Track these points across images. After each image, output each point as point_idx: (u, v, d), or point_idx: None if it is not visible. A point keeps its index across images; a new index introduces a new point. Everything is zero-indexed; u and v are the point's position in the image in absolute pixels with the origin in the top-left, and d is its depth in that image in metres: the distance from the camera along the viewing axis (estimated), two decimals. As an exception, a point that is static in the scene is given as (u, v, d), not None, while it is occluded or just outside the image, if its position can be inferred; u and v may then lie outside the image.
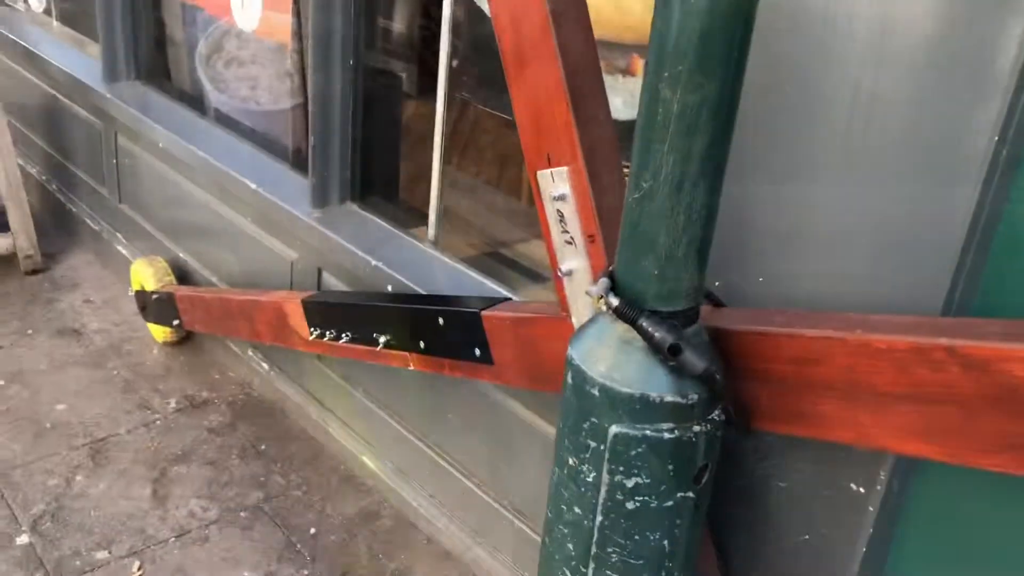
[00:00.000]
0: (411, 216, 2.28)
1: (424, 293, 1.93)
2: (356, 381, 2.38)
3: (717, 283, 1.22)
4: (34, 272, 3.36)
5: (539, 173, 1.25)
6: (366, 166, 2.31)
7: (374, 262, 2.06)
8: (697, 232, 0.96)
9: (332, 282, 2.30)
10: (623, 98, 1.74)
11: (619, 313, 1.00)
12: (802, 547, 1.32)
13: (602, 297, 1.01)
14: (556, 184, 1.23)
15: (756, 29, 0.94)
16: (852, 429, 1.05)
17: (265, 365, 2.72)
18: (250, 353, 2.76)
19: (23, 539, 2.19)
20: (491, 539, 2.09)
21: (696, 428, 1.02)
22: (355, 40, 2.16)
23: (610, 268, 1.07)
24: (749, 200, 1.21)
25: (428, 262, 2.10)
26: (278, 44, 2.70)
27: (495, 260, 2.36)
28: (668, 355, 0.99)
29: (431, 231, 2.14)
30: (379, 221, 2.24)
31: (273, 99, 3.02)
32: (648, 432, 1.00)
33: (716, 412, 1.06)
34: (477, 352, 1.56)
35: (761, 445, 1.30)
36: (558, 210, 1.24)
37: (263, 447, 2.58)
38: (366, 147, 2.29)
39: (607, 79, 1.72)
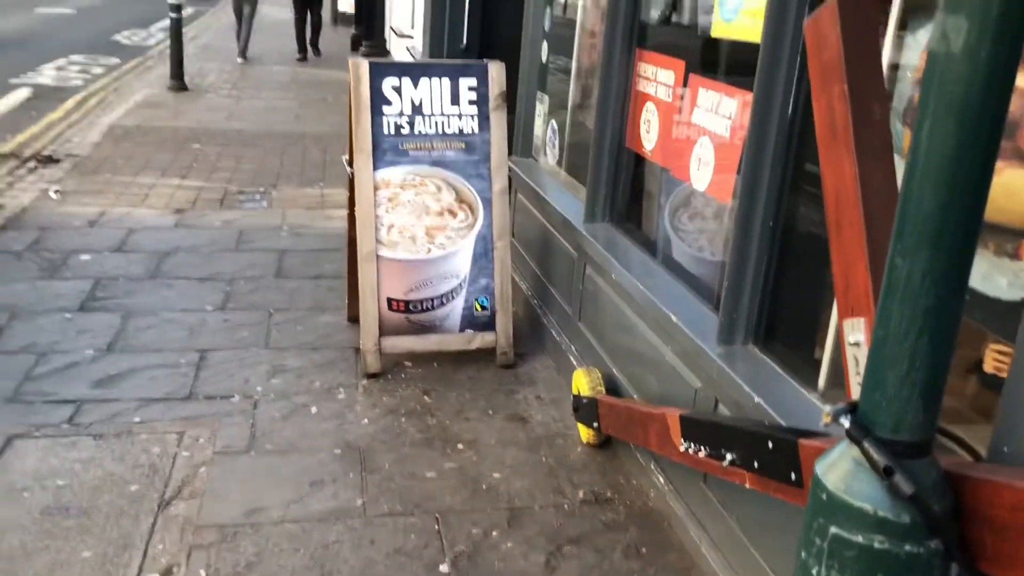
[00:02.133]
0: (807, 363, 2.47)
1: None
2: (732, 508, 2.59)
3: (1006, 448, 1.28)
4: (505, 367, 4.10)
5: (844, 321, 1.43)
6: (772, 312, 2.56)
7: (756, 399, 2.29)
8: (921, 378, 1.10)
9: (724, 412, 2.57)
10: (1008, 279, 1.80)
11: (849, 434, 1.16)
12: None
13: (838, 417, 1.18)
14: (854, 332, 1.40)
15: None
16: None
17: (661, 479, 3.04)
18: (652, 466, 3.11)
19: (444, 568, 2.75)
20: None
21: (908, 547, 1.12)
22: (777, 204, 2.47)
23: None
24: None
25: (808, 411, 2.27)
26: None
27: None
28: (882, 475, 1.12)
29: (822, 382, 2.32)
30: (773, 365, 2.47)
31: (719, 250, 3.42)
32: (861, 539, 1.12)
33: (934, 541, 1.14)
34: (793, 476, 1.72)
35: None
36: (854, 355, 1.41)
37: (643, 550, 2.88)
38: (775, 296, 2.55)
39: (992, 260, 1.83)
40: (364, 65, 3.90)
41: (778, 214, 2.49)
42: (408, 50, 9.96)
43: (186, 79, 10.95)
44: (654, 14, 3.52)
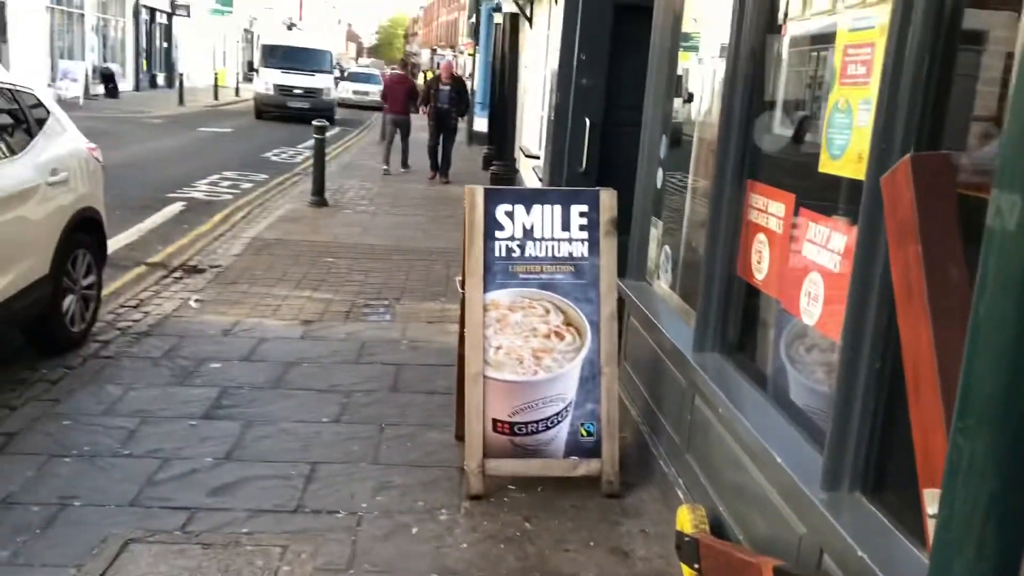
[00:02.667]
0: (919, 517, 2.31)
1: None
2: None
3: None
4: (610, 496, 4.00)
5: (925, 491, 1.33)
6: (880, 459, 2.43)
7: (860, 552, 2.15)
8: (989, 569, 1.00)
9: (829, 564, 2.41)
10: None
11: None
12: None
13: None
14: (934, 503, 1.30)
15: None
16: None
17: (766, 630, 2.86)
18: (757, 615, 2.93)
19: None
20: None
21: None
22: (884, 344, 2.37)
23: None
24: None
25: (918, 571, 2.11)
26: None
27: None
28: None
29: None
30: (880, 516, 2.32)
31: (805, 367, 3.30)
32: None
33: None
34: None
35: None
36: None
37: None
38: (884, 442, 2.42)
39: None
40: (479, 192, 4.04)
41: (886, 355, 2.38)
42: (534, 170, 10.26)
43: (326, 195, 11.59)
44: (764, 146, 3.52)
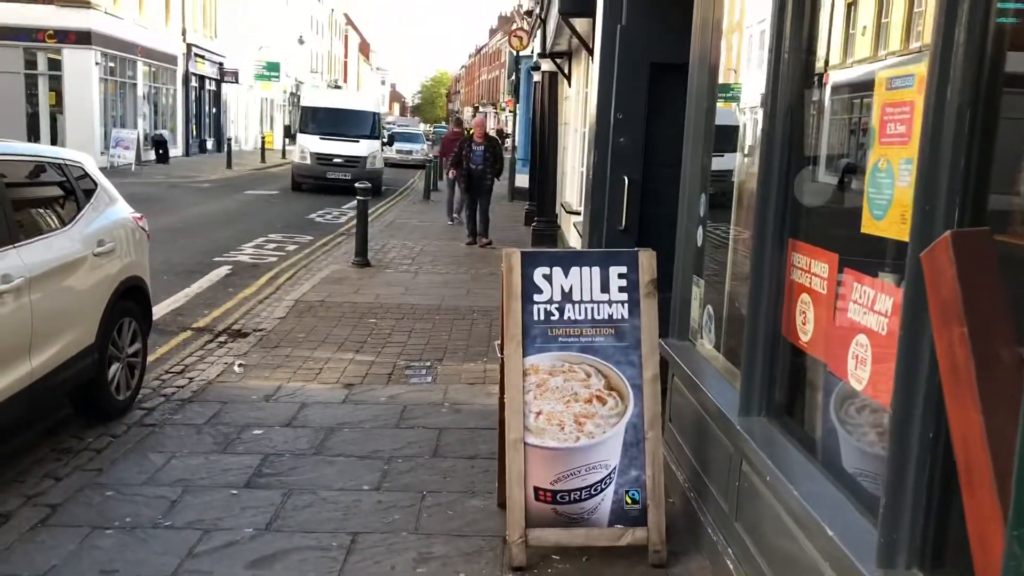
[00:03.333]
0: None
1: None
2: None
3: None
4: (657, 566, 3.87)
5: None
6: (939, 534, 2.30)
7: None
8: None
9: (889, 648, 2.28)
10: None
11: None
12: None
13: None
14: None
15: None
16: None
17: None
18: None
19: None
20: None
21: None
22: (937, 413, 2.26)
23: None
24: None
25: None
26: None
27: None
28: None
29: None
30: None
31: (858, 433, 3.17)
32: None
33: None
34: None
35: None
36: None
37: None
38: (941, 516, 2.30)
39: None
40: (516, 255, 4.01)
41: (940, 423, 2.27)
42: (575, 226, 10.25)
43: (369, 255, 11.69)
44: (805, 203, 3.44)
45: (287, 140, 41.72)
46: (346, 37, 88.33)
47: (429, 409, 5.96)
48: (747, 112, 4.38)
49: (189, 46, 35.61)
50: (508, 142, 27.33)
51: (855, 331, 2.89)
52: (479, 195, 13.59)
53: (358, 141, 22.70)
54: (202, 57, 37.39)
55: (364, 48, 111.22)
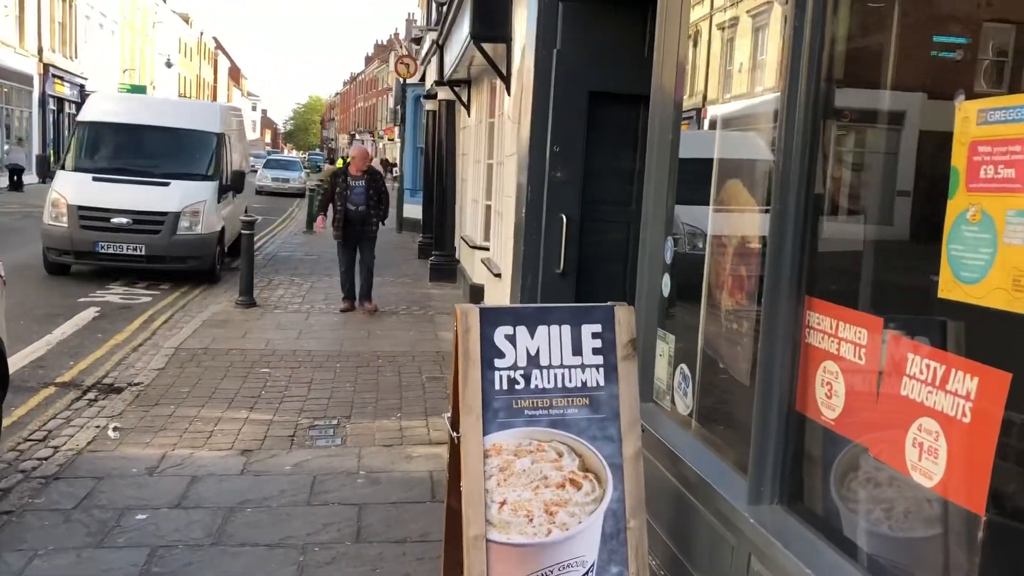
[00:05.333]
0: None
1: None
2: None
3: None
4: None
5: None
6: None
7: None
8: None
9: None
10: None
11: None
12: None
13: None
14: None
15: None
16: None
17: None
18: None
19: None
20: None
21: None
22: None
23: None
24: None
25: None
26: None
27: None
28: None
29: None
30: None
31: (907, 525, 2.72)
32: None
33: None
34: None
35: None
36: None
37: None
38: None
39: None
40: (474, 313, 3.37)
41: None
42: (484, 263, 9.67)
43: (254, 293, 10.75)
44: (830, 256, 2.96)
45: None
46: (215, 61, 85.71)
47: (343, 480, 5.20)
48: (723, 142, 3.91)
49: (46, 66, 33.34)
50: (395, 171, 26.56)
51: (916, 414, 2.39)
52: (360, 244, 10.27)
53: (167, 184, 12.16)
54: (61, 79, 35.09)
55: (235, 73, 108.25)
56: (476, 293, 10.41)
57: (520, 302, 5.45)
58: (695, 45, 4.26)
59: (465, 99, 12.68)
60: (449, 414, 3.54)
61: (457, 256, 13.29)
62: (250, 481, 5.11)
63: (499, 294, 8.17)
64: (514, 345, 3.37)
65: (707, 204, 3.86)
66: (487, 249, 9.99)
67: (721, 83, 4.03)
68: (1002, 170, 2.04)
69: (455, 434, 3.37)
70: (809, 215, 2.92)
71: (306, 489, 5.01)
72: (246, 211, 12.19)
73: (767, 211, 3.20)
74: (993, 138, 2.07)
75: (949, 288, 2.21)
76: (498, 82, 9.03)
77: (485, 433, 3.31)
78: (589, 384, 3.41)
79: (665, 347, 4.12)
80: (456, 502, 3.39)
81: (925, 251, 2.37)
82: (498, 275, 8.25)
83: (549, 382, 3.38)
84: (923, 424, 2.38)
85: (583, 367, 3.41)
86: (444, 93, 13.29)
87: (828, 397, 2.85)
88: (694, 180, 3.97)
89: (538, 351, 3.39)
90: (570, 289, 5.37)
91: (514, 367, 3.36)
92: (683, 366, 3.95)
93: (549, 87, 5.37)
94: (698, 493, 3.43)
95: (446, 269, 12.96)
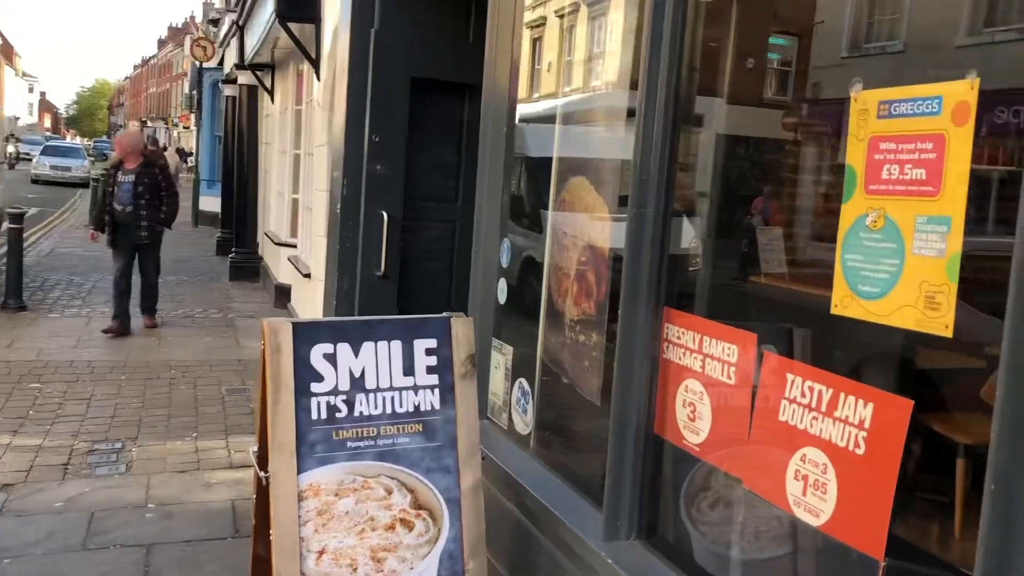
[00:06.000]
0: None
1: None
2: None
3: None
4: None
5: None
6: None
7: None
8: None
9: None
10: None
11: None
12: None
13: None
14: None
15: None
16: None
17: None
18: None
19: None
20: None
21: None
22: None
23: None
24: None
25: None
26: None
27: None
28: None
29: None
30: None
31: (760, 545, 2.52)
32: None
33: None
34: None
35: None
36: None
37: None
38: None
39: None
40: (285, 329, 2.84)
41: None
42: (291, 261, 8.98)
43: (24, 295, 9.51)
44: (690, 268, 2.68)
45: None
46: (-15, 37, 77.90)
47: (128, 515, 4.47)
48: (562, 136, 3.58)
49: None
50: (191, 160, 24.86)
51: (800, 444, 2.13)
52: (140, 252, 8.50)
53: None
54: None
55: (7, 51, 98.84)
56: (282, 293, 9.70)
57: (337, 308, 4.92)
58: (532, 32, 3.92)
59: (268, 84, 11.84)
60: (255, 448, 3.00)
61: (260, 253, 12.43)
62: (11, 524, 4.29)
63: (309, 296, 7.56)
64: (335, 366, 2.89)
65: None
66: (294, 246, 9.30)
67: (561, 76, 3.70)
68: (910, 170, 1.79)
69: (263, 474, 2.84)
70: (669, 219, 2.62)
71: (81, 529, 4.26)
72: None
73: (617, 216, 2.90)
74: (899, 134, 1.82)
75: (845, 304, 1.95)
76: (306, 66, 8.39)
77: (300, 471, 2.80)
78: (423, 408, 2.98)
79: (501, 359, 3.75)
80: (265, 551, 2.87)
81: (812, 261, 2.12)
82: (307, 275, 7.63)
83: (376, 408, 2.92)
84: (808, 455, 2.12)
85: (416, 389, 2.98)
86: (245, 78, 12.37)
87: (691, 420, 2.57)
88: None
89: (363, 372, 2.92)
90: (392, 293, 4.90)
91: (335, 392, 2.88)
92: (522, 380, 3.59)
93: (367, 71, 4.87)
94: (545, 527, 3.08)
95: (248, 267, 12.08)
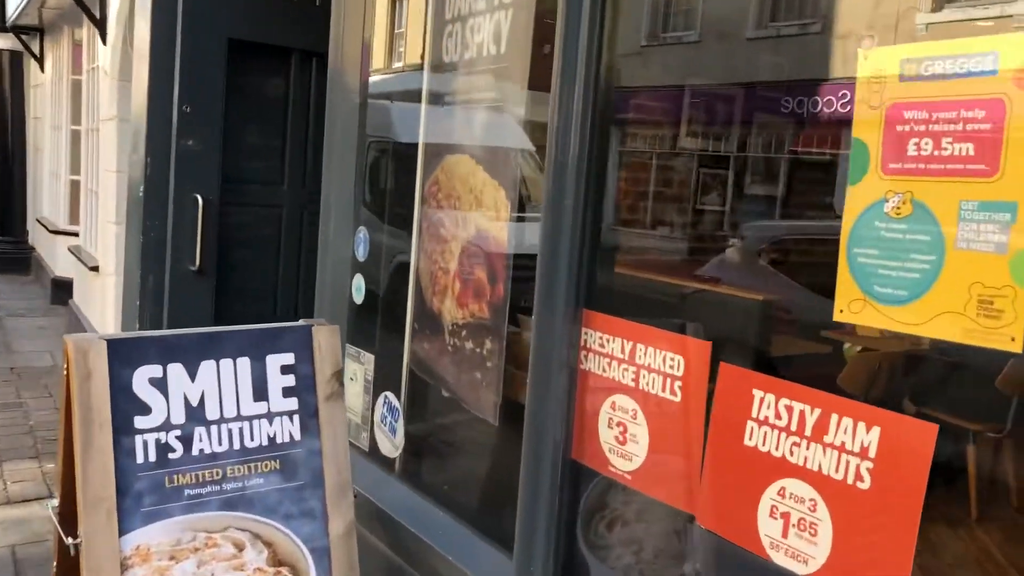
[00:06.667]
0: None
1: None
2: None
3: None
4: None
5: None
6: None
7: None
8: None
9: None
10: None
11: None
12: None
13: None
14: None
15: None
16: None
17: None
18: None
19: None
20: None
21: None
22: None
23: None
24: None
25: None
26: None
27: None
28: None
29: None
30: None
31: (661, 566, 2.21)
32: None
33: None
34: None
35: None
36: None
37: None
38: None
39: None
40: (97, 348, 2.17)
41: None
42: (72, 251, 7.85)
43: None
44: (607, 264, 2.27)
45: None
46: None
47: None
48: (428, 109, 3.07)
49: None
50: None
51: (773, 474, 1.78)
52: None
53: None
54: None
55: None
56: (62, 288, 8.52)
57: (141, 309, 4.15)
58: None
59: (37, 51, 10.39)
60: (56, 502, 2.30)
61: (31, 242, 10.95)
62: None
63: (98, 292, 6.57)
64: (165, 393, 2.25)
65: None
66: (76, 235, 8.15)
67: (432, 44, 3.18)
68: (950, 145, 1.45)
69: (70, 541, 2.15)
70: (590, 209, 2.20)
71: None
72: None
73: (514, 202, 2.45)
74: (934, 99, 1.47)
75: (855, 309, 1.60)
76: (86, 29, 7.31)
77: (124, 531, 2.16)
78: (279, 440, 2.40)
79: (359, 369, 3.20)
80: (73, 634, 2.19)
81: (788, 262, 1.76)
82: (95, 268, 6.61)
83: (221, 443, 2.32)
84: (787, 488, 1.76)
85: (270, 416, 2.39)
86: (7, 42, 10.80)
87: (620, 443, 2.16)
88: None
89: (203, 399, 2.30)
90: (209, 290, 4.19)
91: (167, 426, 2.24)
92: (388, 394, 3.06)
93: (175, 31, 4.11)
94: (423, 567, 2.58)
95: (16, 258, 10.62)
